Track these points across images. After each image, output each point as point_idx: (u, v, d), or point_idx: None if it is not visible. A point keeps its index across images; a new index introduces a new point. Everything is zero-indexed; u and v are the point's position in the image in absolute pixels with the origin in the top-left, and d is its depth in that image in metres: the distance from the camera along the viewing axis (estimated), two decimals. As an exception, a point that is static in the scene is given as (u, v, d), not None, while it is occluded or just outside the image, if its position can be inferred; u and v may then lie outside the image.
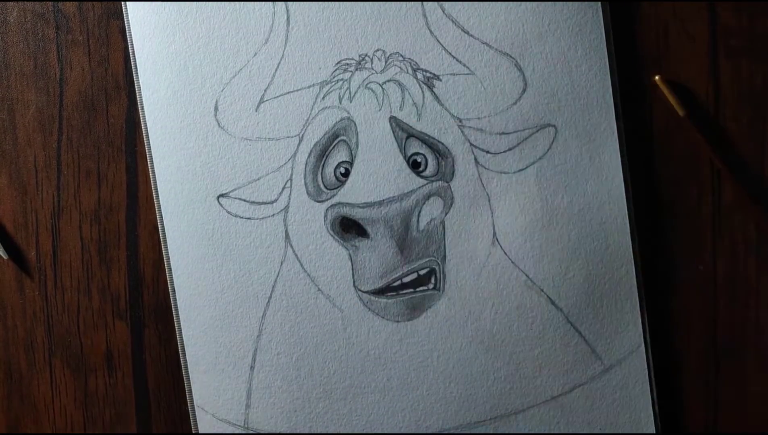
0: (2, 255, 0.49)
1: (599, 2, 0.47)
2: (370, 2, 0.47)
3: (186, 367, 0.48)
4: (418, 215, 0.47)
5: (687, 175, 0.49)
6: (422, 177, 0.48)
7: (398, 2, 0.47)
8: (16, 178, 0.49)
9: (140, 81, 0.47)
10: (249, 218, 0.48)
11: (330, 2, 0.47)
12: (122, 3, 0.47)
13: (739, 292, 0.49)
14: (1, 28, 0.49)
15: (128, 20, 0.47)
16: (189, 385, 0.49)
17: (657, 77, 0.47)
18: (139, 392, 0.50)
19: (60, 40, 0.49)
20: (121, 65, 0.48)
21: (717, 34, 0.48)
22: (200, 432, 0.49)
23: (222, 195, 0.48)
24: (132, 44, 0.47)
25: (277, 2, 0.47)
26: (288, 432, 0.48)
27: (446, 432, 0.48)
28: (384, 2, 0.47)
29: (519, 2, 0.47)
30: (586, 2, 0.47)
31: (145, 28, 0.47)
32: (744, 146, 0.49)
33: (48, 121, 0.49)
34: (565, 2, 0.47)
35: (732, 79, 0.48)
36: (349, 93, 0.47)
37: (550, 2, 0.47)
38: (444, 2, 0.47)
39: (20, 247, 0.50)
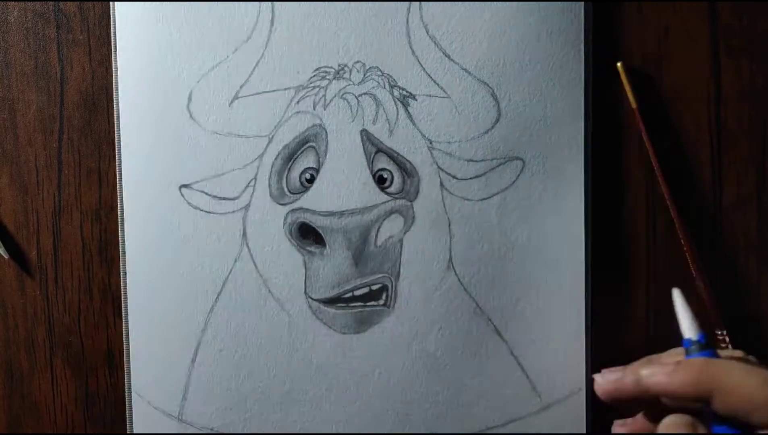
0: (3, 254, 0.49)
1: (582, 43, 0.47)
2: (357, 14, 0.47)
3: (128, 351, 0.48)
4: (378, 230, 0.48)
5: (688, 175, 0.49)
6: (386, 193, 0.48)
7: (384, 18, 0.47)
8: (17, 177, 0.49)
9: (118, 63, 0.47)
10: (209, 212, 0.48)
11: (316, 10, 0.47)
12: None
13: (740, 292, 0.49)
14: (2, 27, 0.49)
15: (113, 4, 0.47)
16: (129, 368, 0.48)
17: (619, 64, 0.48)
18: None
19: (61, 39, 0.49)
20: None
21: (717, 34, 0.49)
22: (134, 417, 0.48)
23: (185, 185, 0.47)
24: (114, 23, 0.47)
25: (263, 2, 0.47)
26: (220, 430, 0.48)
27: (376, 449, 0.48)
28: (370, 16, 0.47)
29: (503, 33, 0.47)
30: (569, 41, 0.47)
31: (128, 9, 0.47)
32: (745, 146, 0.49)
33: (49, 121, 0.49)
34: (548, 39, 0.47)
35: (733, 78, 0.49)
36: (324, 100, 0.47)
37: (533, 37, 0.47)
38: (429, 24, 0.47)
39: (21, 246, 0.50)
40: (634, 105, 0.47)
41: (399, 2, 0.47)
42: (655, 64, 0.48)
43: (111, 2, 0.47)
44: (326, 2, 0.47)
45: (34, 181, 0.49)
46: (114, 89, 0.47)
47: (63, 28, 0.49)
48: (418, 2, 0.47)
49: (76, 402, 0.50)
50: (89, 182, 0.49)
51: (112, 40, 0.47)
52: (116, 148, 0.48)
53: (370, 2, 0.47)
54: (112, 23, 0.47)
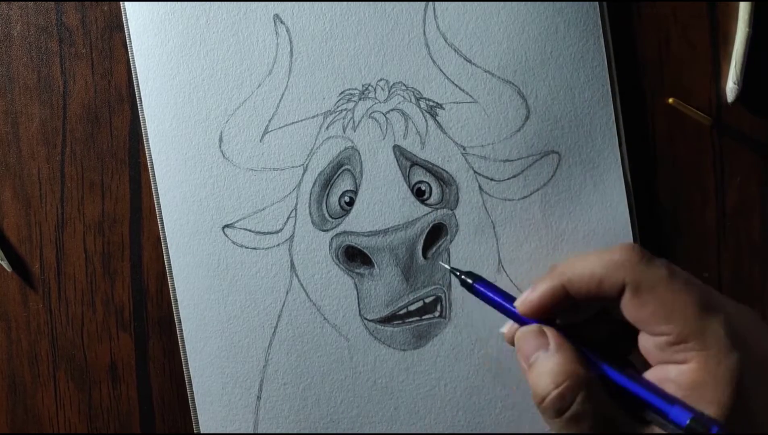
0: (6, 268, 0.49)
1: (600, 30, 0.47)
2: (373, 32, 0.47)
3: (193, 399, 0.48)
4: (423, 243, 0.47)
5: (690, 183, 0.49)
6: (427, 205, 0.48)
7: (401, 32, 0.47)
8: (20, 191, 0.49)
9: (145, 114, 0.48)
10: (254, 248, 0.48)
11: (333, 34, 0.47)
12: (127, 38, 0.48)
13: (744, 298, 0.49)
14: (5, 41, 0.49)
15: (133, 55, 0.47)
16: (196, 416, 0.48)
17: (671, 100, 0.48)
18: (143, 404, 0.50)
19: (63, 53, 0.49)
20: (124, 77, 0.49)
21: (718, 39, 0.48)
22: (207, 463, 0.48)
23: (227, 225, 0.48)
24: (137, 77, 0.48)
25: (280, 34, 0.47)
26: (295, 463, 0.48)
27: (454, 461, 0.48)
28: (387, 32, 0.47)
29: (521, 30, 0.47)
30: (587, 30, 0.47)
31: (149, 61, 0.47)
32: (745, 148, 0.49)
33: (52, 134, 0.49)
34: (566, 30, 0.47)
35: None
36: (353, 122, 0.47)
37: (551, 30, 0.47)
38: (446, 32, 0.47)
39: (24, 259, 0.50)
40: (708, 123, 0.48)
41: (414, 15, 0.47)
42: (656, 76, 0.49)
43: (131, 57, 0.48)
44: (343, 25, 0.47)
45: (37, 194, 0.49)
46: (144, 140, 0.48)
47: (65, 41, 0.49)
48: (432, 13, 0.47)
49: (80, 415, 0.50)
50: (92, 195, 0.49)
51: (137, 93, 0.48)
52: (155, 198, 0.48)
53: (385, 20, 0.47)
54: (134, 77, 0.48)
